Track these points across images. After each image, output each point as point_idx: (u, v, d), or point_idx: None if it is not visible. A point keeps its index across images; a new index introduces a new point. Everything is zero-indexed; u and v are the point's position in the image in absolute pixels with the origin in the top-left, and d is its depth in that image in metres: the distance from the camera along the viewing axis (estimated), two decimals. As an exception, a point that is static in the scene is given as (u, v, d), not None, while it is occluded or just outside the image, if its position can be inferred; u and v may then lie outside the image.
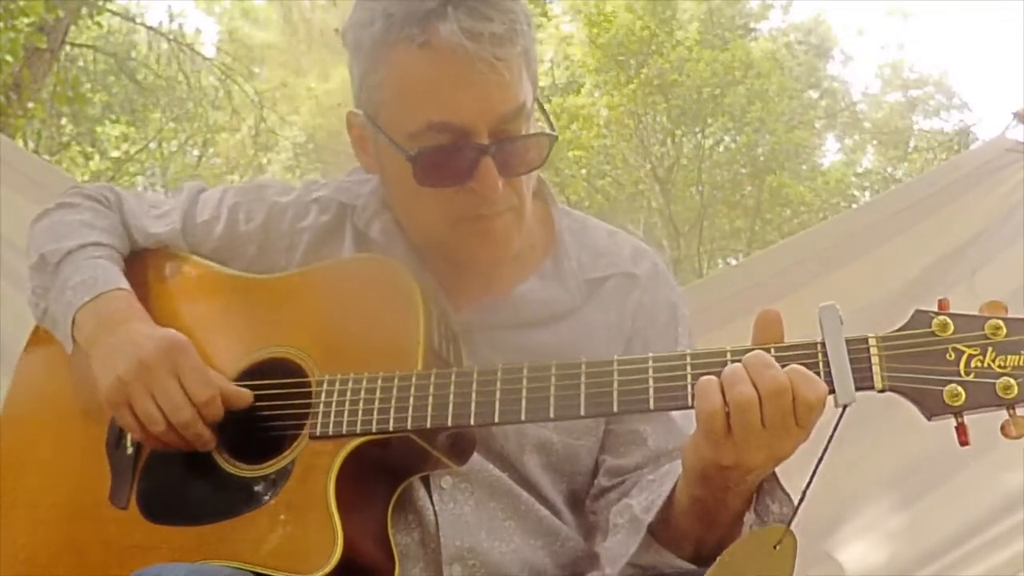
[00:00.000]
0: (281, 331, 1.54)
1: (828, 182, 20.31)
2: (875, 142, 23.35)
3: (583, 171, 18.75)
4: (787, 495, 1.32)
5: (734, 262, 19.51)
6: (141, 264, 1.72)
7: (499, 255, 1.53)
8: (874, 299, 2.99)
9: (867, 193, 20.07)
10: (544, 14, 20.72)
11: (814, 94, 22.73)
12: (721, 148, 19.79)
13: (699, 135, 19.30)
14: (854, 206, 17.75)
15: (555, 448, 1.55)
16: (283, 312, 1.57)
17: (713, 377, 1.23)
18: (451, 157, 1.42)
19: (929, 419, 1.21)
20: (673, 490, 1.37)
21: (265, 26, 22.97)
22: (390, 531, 1.43)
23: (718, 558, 1.22)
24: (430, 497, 1.50)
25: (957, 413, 1.19)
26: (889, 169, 21.68)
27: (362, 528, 1.39)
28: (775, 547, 1.22)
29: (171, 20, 14.17)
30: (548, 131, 1.48)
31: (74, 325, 1.58)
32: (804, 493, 1.25)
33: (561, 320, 1.58)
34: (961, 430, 1.20)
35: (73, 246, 1.65)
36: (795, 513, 1.26)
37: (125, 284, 1.62)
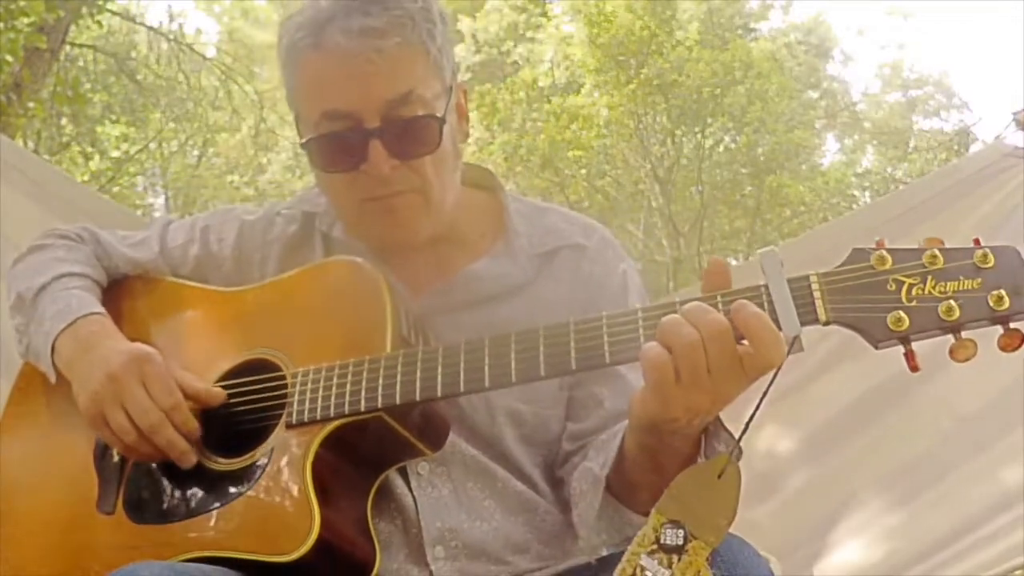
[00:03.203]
0: (257, 336, 1.60)
1: (828, 182, 20.31)
2: (875, 142, 23.36)
3: (583, 171, 18.75)
4: (731, 435, 1.35)
5: (734, 262, 19.49)
6: (119, 291, 1.79)
7: (408, 236, 1.59)
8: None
9: (867, 193, 20.08)
10: (544, 14, 20.76)
11: (814, 94, 22.74)
12: (721, 148, 19.79)
13: (699, 135, 19.29)
14: (854, 206, 17.78)
15: (526, 419, 1.60)
16: (258, 319, 1.63)
17: (655, 342, 1.25)
18: (342, 142, 1.53)
19: (876, 347, 1.22)
20: (622, 443, 1.41)
21: (265, 26, 22.95)
22: (370, 521, 1.46)
23: (665, 490, 1.25)
24: (408, 485, 1.55)
25: (903, 339, 1.21)
26: (889, 169, 21.69)
27: (342, 515, 1.42)
28: (719, 476, 1.24)
29: (171, 20, 14.21)
30: (434, 114, 1.54)
31: (54, 352, 1.63)
32: (747, 424, 1.27)
33: (515, 295, 1.64)
34: (909, 356, 1.21)
35: (46, 280, 1.71)
36: (738, 441, 1.29)
37: (99, 307, 1.68)
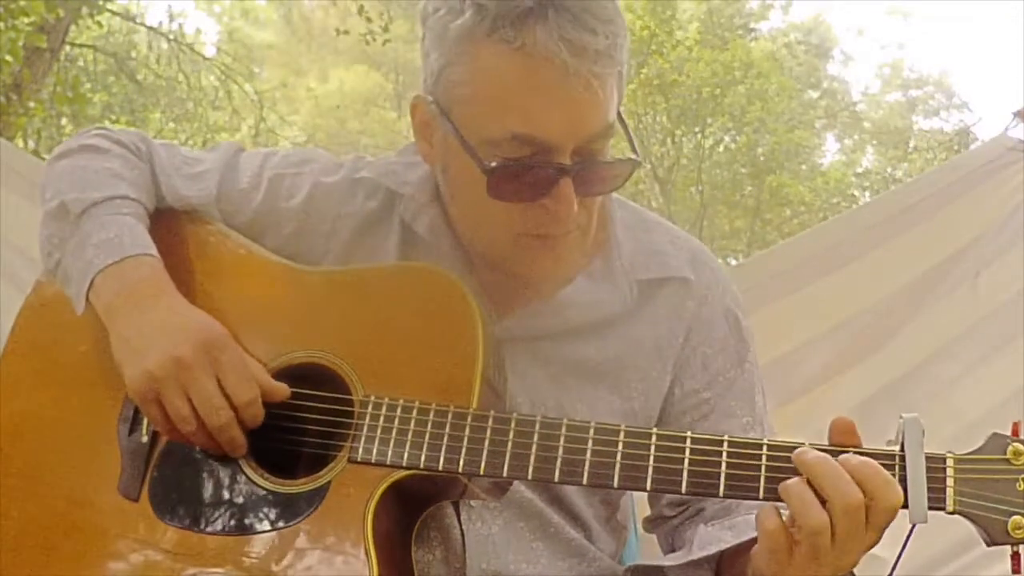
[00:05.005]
0: (322, 333, 1.42)
1: (828, 182, 20.34)
2: (875, 142, 23.38)
3: (583, 171, 18.74)
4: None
5: (734, 262, 19.50)
6: (171, 224, 1.57)
7: (563, 274, 1.46)
8: (875, 301, 2.98)
9: (867, 193, 20.09)
10: (544, 14, 20.71)
11: (814, 94, 22.76)
12: (721, 148, 19.80)
13: (699, 135, 19.31)
14: (854, 206, 17.76)
15: None
16: (327, 312, 1.45)
17: (772, 507, 1.22)
18: (529, 172, 1.33)
19: (989, 545, 1.23)
20: (743, 557, 1.34)
21: (265, 26, 22.99)
22: (412, 553, 1.36)
23: None
24: (457, 516, 1.43)
25: (1015, 543, 1.22)
26: (889, 169, 21.70)
27: (389, 554, 1.32)
28: None
29: (171, 20, 14.21)
30: (632, 157, 1.40)
31: (91, 287, 1.44)
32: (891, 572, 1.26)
33: (608, 329, 1.50)
34: (1015, 558, 1.22)
35: (99, 197, 1.50)
36: None
37: (153, 249, 1.47)
